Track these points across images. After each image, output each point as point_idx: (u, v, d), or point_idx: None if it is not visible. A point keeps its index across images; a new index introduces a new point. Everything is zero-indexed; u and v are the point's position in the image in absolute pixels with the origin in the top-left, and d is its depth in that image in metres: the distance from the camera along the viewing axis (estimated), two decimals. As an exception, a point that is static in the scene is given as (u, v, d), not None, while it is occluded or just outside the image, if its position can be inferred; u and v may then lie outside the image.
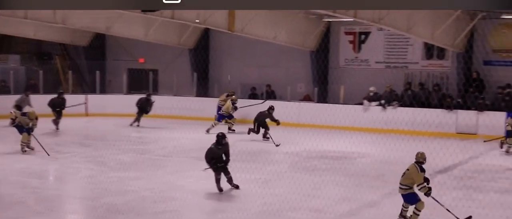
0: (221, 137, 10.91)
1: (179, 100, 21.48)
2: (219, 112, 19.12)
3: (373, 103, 20.28)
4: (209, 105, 21.31)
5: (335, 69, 22.95)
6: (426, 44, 21.00)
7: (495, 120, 17.91)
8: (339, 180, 11.81)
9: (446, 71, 21.09)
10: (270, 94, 22.69)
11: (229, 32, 19.89)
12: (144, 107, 20.12)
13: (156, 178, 12.08)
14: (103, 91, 24.19)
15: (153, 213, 9.55)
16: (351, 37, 22.70)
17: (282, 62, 23.36)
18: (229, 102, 18.83)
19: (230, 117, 18.82)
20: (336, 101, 21.44)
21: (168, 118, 19.97)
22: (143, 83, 24.74)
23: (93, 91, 23.51)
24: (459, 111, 19.09)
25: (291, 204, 9.60)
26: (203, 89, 24.22)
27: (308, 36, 22.22)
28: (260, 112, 17.65)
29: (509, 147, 15.69)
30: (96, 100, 22.26)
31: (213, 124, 18.61)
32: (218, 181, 10.92)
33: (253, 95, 22.92)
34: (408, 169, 9.29)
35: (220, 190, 10.89)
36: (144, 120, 20.11)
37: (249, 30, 20.23)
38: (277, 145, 16.33)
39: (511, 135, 15.64)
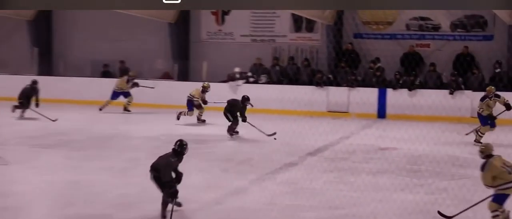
0: (185, 147, 9.19)
1: (18, 80, 20.62)
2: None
3: (240, 82, 20.50)
4: (53, 84, 20.64)
5: (197, 44, 23.05)
6: (293, 15, 21.55)
7: (366, 97, 18.70)
8: (203, 166, 11.90)
9: (316, 46, 21.78)
10: (124, 72, 22.38)
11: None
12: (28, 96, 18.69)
13: (-8, 170, 11.58)
14: None
15: (-11, 210, 9.14)
16: (213, 8, 22.85)
17: (138, 36, 23.03)
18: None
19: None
20: (198, 78, 21.51)
21: (5, 100, 19.11)
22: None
23: None
24: (330, 87, 19.81)
25: (150, 195, 9.52)
26: (45, 67, 23.46)
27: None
28: (234, 101, 16.01)
29: (480, 135, 14.63)
30: None
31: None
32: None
33: (106, 73, 22.51)
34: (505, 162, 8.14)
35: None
36: None
37: (97, -1, 19.74)
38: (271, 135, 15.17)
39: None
